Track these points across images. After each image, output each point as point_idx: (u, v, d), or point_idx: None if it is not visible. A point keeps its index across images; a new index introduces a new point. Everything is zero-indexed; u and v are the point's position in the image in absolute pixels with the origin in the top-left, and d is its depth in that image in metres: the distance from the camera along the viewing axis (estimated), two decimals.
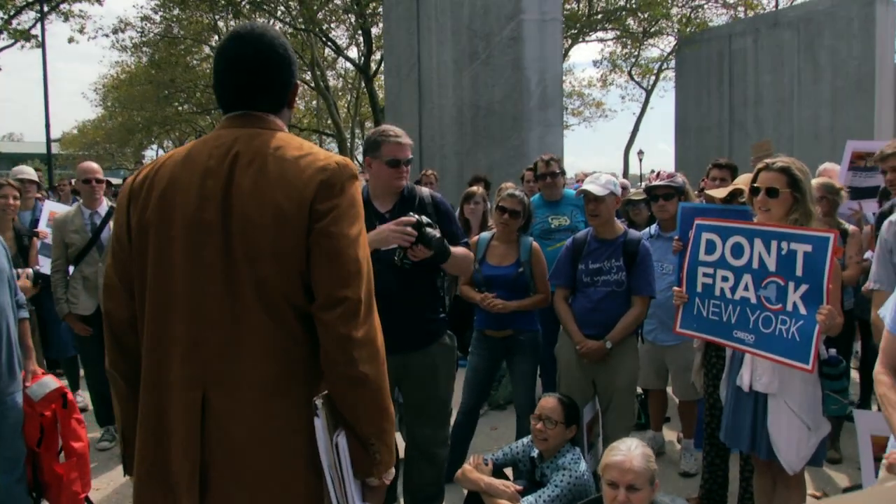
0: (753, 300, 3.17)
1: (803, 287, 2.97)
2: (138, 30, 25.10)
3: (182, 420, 1.68)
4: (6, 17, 18.26)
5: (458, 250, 3.31)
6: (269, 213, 1.66)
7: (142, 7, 23.30)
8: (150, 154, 48.58)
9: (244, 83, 1.80)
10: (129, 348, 1.84)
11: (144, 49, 26.77)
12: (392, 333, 3.23)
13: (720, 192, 4.11)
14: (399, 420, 4.06)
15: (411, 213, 3.14)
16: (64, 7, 20.11)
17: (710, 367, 3.98)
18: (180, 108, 33.37)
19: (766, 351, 3.07)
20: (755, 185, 3.22)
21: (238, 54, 1.79)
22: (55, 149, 30.78)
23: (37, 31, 18.59)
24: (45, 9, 19.03)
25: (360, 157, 35.61)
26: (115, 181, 17.73)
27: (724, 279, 3.31)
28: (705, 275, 3.41)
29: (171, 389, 1.70)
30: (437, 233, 3.14)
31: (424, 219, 3.12)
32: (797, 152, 15.12)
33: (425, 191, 3.52)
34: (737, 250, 3.26)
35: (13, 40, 18.42)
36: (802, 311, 2.97)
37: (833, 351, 3.09)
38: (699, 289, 3.43)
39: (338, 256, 1.67)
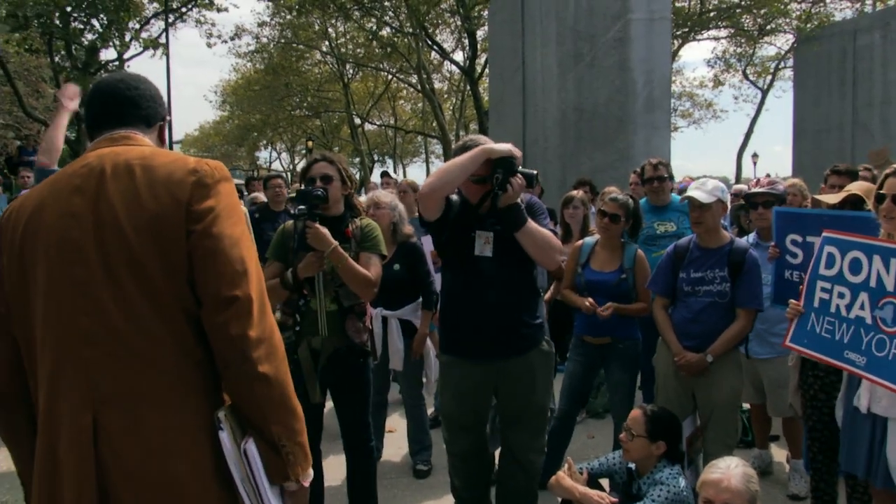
0: (868, 321, 2.97)
1: None
2: (254, 36, 26.24)
3: (72, 452, 1.58)
4: (138, 27, 19.51)
5: (541, 228, 3.23)
6: (143, 220, 1.62)
7: (259, 14, 24.53)
8: (264, 155, 50.64)
9: (111, 97, 1.85)
10: (7, 394, 1.76)
11: (259, 55, 27.93)
12: (490, 339, 3.26)
13: (832, 198, 3.88)
14: (493, 426, 4.06)
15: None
16: (193, 13, 21.32)
17: (807, 388, 3.76)
18: (294, 113, 34.62)
19: (877, 375, 2.87)
20: (881, 191, 3.02)
21: (107, 80, 1.91)
22: (176, 149, 32.68)
23: (162, 39, 19.75)
24: (171, 19, 20.17)
25: None
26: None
27: (841, 296, 3.12)
28: (823, 290, 3.22)
29: (60, 422, 1.60)
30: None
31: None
32: None
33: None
34: (855, 266, 3.07)
35: (143, 48, 19.64)
36: None
37: None
38: (816, 304, 3.25)
39: (221, 256, 1.63)
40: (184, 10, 20.95)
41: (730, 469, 2.64)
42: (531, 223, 3.18)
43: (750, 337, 4.40)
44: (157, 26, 20.75)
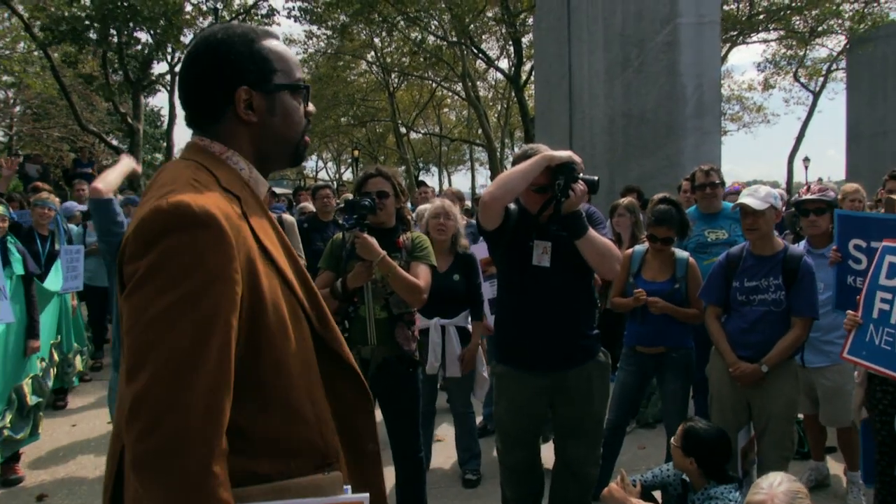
0: None
1: None
2: (303, 46, 26.62)
3: (109, 458, 1.46)
4: (188, 39, 19.99)
5: (600, 237, 3.19)
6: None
7: (309, 25, 25.02)
8: (310, 165, 51.29)
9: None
10: None
11: (305, 65, 28.32)
12: (548, 351, 3.25)
13: None
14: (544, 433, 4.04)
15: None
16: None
17: (875, 403, 3.65)
18: (342, 121, 34.98)
19: None
20: None
21: None
22: None
23: None
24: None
25: (508, 167, 35.73)
26: (279, 191, 18.89)
27: None
28: (883, 300, 3.14)
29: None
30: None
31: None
32: None
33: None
34: None
35: None
36: None
37: None
38: (875, 315, 3.17)
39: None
40: (235, 22, 21.40)
41: (773, 488, 2.53)
42: (592, 231, 3.14)
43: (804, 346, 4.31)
44: None
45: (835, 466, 4.85)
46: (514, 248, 3.24)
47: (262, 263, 1.39)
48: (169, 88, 21.08)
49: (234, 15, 20.90)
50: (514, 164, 3.21)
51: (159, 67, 20.45)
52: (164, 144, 23.53)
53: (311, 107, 1.63)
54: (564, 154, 3.06)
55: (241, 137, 1.52)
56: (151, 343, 1.22)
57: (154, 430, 1.20)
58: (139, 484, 1.24)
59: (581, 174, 3.07)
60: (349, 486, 1.52)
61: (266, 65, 1.51)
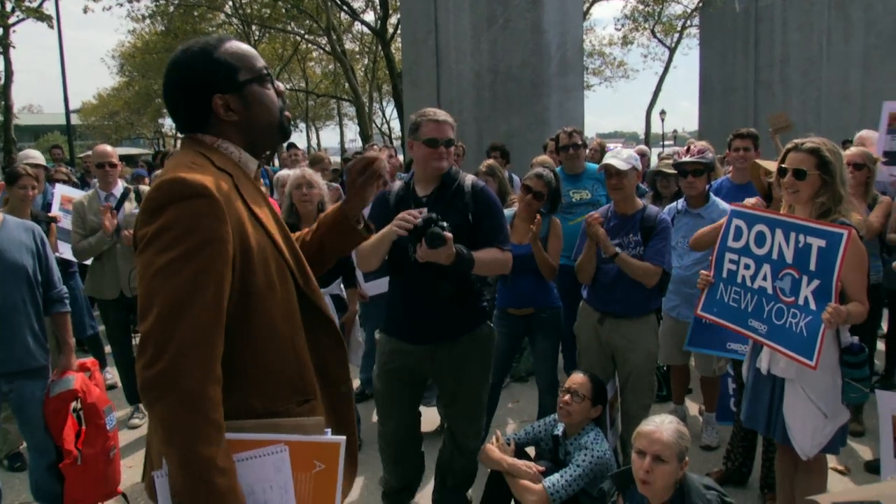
0: (770, 290, 3.13)
1: (815, 282, 2.92)
2: None
3: None
4: None
5: (485, 255, 3.12)
6: None
7: None
8: (169, 123, 48.73)
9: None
10: None
11: (159, 17, 26.55)
12: (431, 327, 3.27)
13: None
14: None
15: (426, 211, 2.97)
16: None
17: None
18: None
19: (775, 342, 3.05)
20: (783, 165, 3.15)
21: None
22: (75, 119, 30.78)
23: (48, 8, 18.54)
24: None
25: (377, 122, 35.34)
26: (133, 151, 17.82)
27: (746, 267, 3.27)
28: (731, 261, 3.36)
29: None
30: (447, 235, 2.87)
31: (436, 217, 2.90)
32: (825, 114, 14.80)
33: (469, 179, 3.35)
34: (759, 239, 3.22)
35: (26, 17, 18.36)
36: (812, 306, 2.92)
37: (856, 339, 3.03)
38: (724, 274, 3.40)
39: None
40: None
41: (663, 424, 2.77)
42: (477, 257, 3.07)
43: (678, 301, 4.57)
44: None
45: (691, 408, 5.22)
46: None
47: (252, 228, 1.66)
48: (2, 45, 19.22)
49: None
50: (409, 133, 3.21)
51: None
52: (3, 104, 21.48)
53: (279, 85, 1.84)
54: (409, 221, 2.93)
55: (230, 133, 1.75)
56: (156, 290, 1.50)
57: (158, 358, 1.47)
58: (146, 405, 1.52)
59: (435, 218, 2.90)
60: (329, 430, 1.76)
61: (229, 68, 1.72)
